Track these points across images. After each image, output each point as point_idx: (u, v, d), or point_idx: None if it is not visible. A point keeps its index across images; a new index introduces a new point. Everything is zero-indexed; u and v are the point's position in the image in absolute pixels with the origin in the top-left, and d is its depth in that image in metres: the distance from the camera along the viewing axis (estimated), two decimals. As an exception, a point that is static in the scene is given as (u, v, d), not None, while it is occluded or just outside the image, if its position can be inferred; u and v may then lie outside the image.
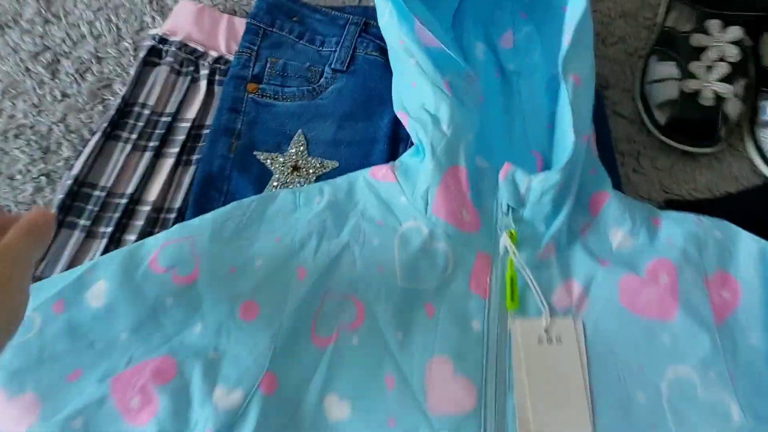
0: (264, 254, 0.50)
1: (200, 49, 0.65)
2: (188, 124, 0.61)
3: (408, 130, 0.54)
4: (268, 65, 0.63)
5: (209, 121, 0.61)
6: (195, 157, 0.60)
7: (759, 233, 0.51)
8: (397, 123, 0.59)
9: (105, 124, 0.60)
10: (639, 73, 0.67)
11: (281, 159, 0.58)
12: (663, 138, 0.63)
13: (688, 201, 0.61)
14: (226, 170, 0.57)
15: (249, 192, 0.57)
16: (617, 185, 0.58)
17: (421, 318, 0.50)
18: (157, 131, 0.61)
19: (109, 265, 0.49)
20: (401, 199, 0.53)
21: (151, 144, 0.60)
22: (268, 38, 0.65)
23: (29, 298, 0.34)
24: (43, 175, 0.62)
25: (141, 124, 0.61)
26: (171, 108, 0.62)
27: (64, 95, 0.66)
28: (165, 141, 0.61)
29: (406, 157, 0.55)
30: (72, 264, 0.55)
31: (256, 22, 0.65)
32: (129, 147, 0.59)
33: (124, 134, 0.60)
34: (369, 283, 0.50)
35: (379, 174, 0.55)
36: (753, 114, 0.63)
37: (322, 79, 0.62)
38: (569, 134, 0.50)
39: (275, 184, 0.57)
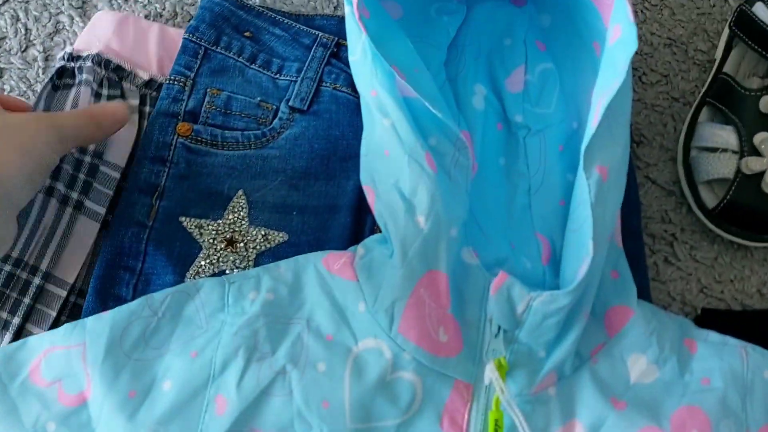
0: (175, 374, 0.39)
1: (126, 67, 0.50)
2: (117, 174, 0.47)
3: (374, 214, 0.41)
4: (206, 99, 0.48)
5: None
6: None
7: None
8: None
9: None
10: (685, 130, 0.52)
11: (213, 228, 0.45)
12: (708, 224, 0.49)
13: (733, 312, 0.48)
14: (141, 243, 0.44)
15: (168, 275, 0.44)
16: (643, 288, 0.46)
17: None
18: (81, 175, 0.46)
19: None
20: (360, 306, 0.41)
21: (73, 195, 0.46)
22: (209, 60, 0.50)
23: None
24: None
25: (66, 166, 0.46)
26: (96, 146, 0.47)
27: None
28: (88, 193, 0.46)
29: (373, 243, 0.42)
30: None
31: (196, 38, 0.50)
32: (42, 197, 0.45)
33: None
34: (309, 424, 0.38)
35: (335, 266, 0.42)
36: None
37: (275, 120, 0.48)
38: (587, 244, 0.37)
39: (201, 263, 0.44)
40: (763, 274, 0.50)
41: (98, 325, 0.40)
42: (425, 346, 0.39)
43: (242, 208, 0.46)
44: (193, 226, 0.45)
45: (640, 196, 0.52)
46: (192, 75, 0.49)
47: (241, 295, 0.41)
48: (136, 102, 0.49)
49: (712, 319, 0.45)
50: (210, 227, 0.45)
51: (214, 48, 0.50)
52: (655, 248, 0.50)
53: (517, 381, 0.39)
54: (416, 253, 0.39)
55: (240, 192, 0.46)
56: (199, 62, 0.50)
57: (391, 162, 0.41)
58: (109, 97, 0.49)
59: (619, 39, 0.39)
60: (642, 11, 0.57)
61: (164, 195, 0.46)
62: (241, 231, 0.45)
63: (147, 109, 0.50)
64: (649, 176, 0.52)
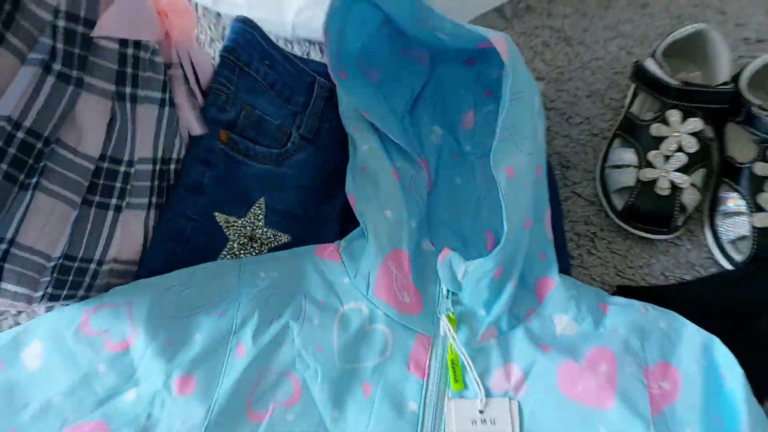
0: (203, 329, 0.51)
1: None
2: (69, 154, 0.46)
3: (355, 212, 0.55)
4: (242, 113, 0.59)
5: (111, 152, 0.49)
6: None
7: (708, 324, 0.52)
8: (348, 206, 0.58)
9: None
10: (601, 156, 0.67)
11: (239, 224, 0.58)
12: (619, 222, 0.63)
13: (641, 287, 0.61)
14: (185, 233, 0.56)
15: (204, 258, 0.56)
16: (566, 269, 0.58)
17: (358, 397, 0.50)
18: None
19: (43, 325, 0.51)
20: (344, 279, 0.54)
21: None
22: (243, 79, 0.59)
23: None
24: None
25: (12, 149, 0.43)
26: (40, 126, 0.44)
27: None
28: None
29: (353, 236, 0.56)
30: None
31: (233, 57, 0.58)
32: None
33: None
34: (307, 363, 0.51)
35: (325, 253, 0.56)
36: (713, 203, 0.64)
37: (289, 143, 0.61)
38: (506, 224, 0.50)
39: (225, 253, 0.57)
40: (665, 260, 0.63)
41: (142, 289, 0.52)
42: (393, 304, 0.52)
43: (261, 212, 0.59)
44: (222, 221, 0.58)
45: (569, 206, 0.66)
46: (233, 89, 0.58)
47: (253, 274, 0.54)
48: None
49: (624, 293, 0.57)
50: (236, 224, 0.58)
51: (247, 69, 0.59)
52: (580, 243, 0.64)
53: (464, 333, 0.52)
54: (385, 235, 0.53)
55: (261, 199, 0.59)
56: (236, 78, 0.59)
57: (368, 175, 0.55)
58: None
59: (505, 75, 0.54)
60: (569, 72, 0.74)
61: (205, 192, 0.57)
62: (259, 230, 0.59)
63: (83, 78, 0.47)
64: (575, 191, 0.67)
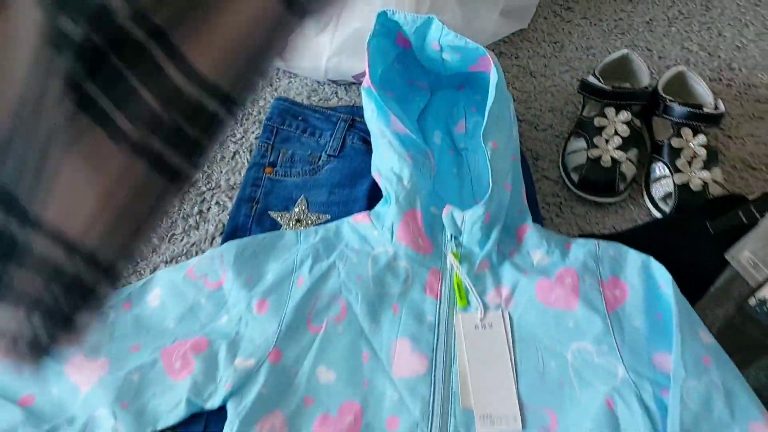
0: (273, 270, 0.70)
1: None
2: None
3: (380, 185, 0.75)
4: (280, 155, 0.85)
5: None
6: None
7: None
8: (372, 189, 0.80)
9: None
10: (561, 148, 0.88)
11: (288, 215, 0.79)
12: (577, 192, 0.83)
13: (595, 234, 0.79)
14: (247, 224, 0.78)
15: None
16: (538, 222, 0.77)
17: (389, 314, 0.67)
18: None
19: (163, 277, 0.70)
20: (374, 233, 0.73)
21: None
22: (279, 134, 0.87)
23: None
24: None
25: None
26: None
27: None
28: None
29: (378, 207, 0.76)
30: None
31: (271, 122, 0.88)
32: None
33: None
34: (350, 289, 0.68)
35: (358, 218, 0.75)
36: (647, 175, 0.83)
37: (320, 161, 0.84)
38: (491, 183, 0.70)
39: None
40: (614, 219, 0.82)
41: (229, 246, 0.71)
42: (411, 246, 0.71)
43: (304, 205, 0.80)
44: (275, 215, 0.79)
45: (540, 185, 0.85)
46: (271, 143, 0.86)
47: (306, 236, 0.73)
48: None
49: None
50: (286, 215, 0.79)
51: (281, 126, 0.87)
52: (550, 210, 0.83)
53: (465, 266, 0.70)
54: (403, 199, 0.72)
55: (302, 197, 0.80)
56: (273, 136, 0.87)
57: (389, 159, 0.75)
58: None
59: (492, 79, 0.75)
60: (534, 95, 0.96)
61: (259, 202, 0.80)
62: (304, 216, 0.79)
63: None
64: (545, 175, 0.87)
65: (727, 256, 0.72)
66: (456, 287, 0.69)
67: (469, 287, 0.68)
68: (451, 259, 0.70)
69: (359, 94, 0.93)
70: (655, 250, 0.70)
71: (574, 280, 0.68)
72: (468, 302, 0.68)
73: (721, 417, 0.56)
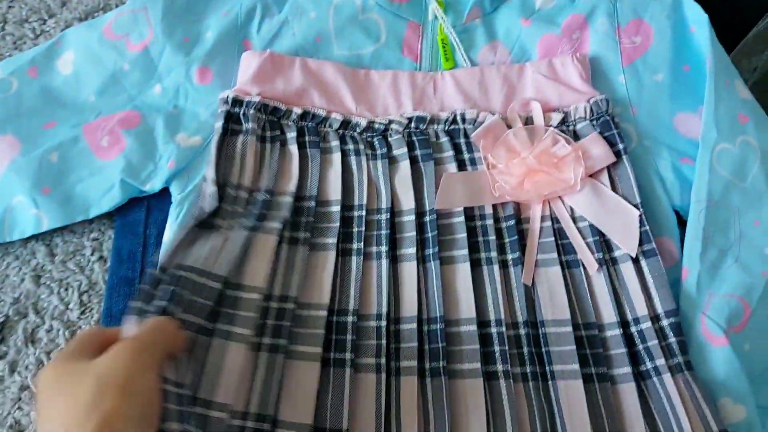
0: (213, 27, 0.56)
1: (281, 107, 0.52)
2: (290, 199, 0.48)
3: None
4: None
5: (310, 192, 0.49)
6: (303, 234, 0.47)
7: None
8: None
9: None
10: None
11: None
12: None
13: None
14: None
15: None
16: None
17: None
18: (255, 211, 0.47)
19: (73, 36, 0.56)
20: None
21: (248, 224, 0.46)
22: None
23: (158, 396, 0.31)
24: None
25: (239, 208, 0.47)
26: (268, 183, 0.49)
27: None
28: (264, 217, 0.47)
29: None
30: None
31: None
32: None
33: (223, 223, 0.46)
34: (307, 51, 0.56)
35: None
36: None
37: None
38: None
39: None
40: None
41: None
42: (384, -7, 0.57)
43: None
44: None
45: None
46: None
47: None
48: (293, 135, 0.51)
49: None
50: None
51: None
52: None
53: (451, 17, 0.57)
54: None
55: None
56: None
57: None
58: (272, 138, 0.51)
59: None
60: None
61: None
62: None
63: (306, 139, 0.51)
64: None
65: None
66: (441, 43, 0.57)
67: (455, 44, 0.56)
68: (434, 7, 0.57)
69: None
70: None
71: (584, 32, 0.56)
72: (455, 63, 0.57)
73: (755, 184, 0.48)
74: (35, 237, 0.52)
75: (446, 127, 0.52)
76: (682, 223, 0.49)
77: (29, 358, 0.48)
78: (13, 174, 0.50)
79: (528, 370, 0.43)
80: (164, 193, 0.52)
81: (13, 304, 0.50)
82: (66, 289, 0.51)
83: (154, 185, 0.51)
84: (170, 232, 0.49)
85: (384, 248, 0.46)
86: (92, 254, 0.52)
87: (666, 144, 0.52)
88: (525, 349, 0.43)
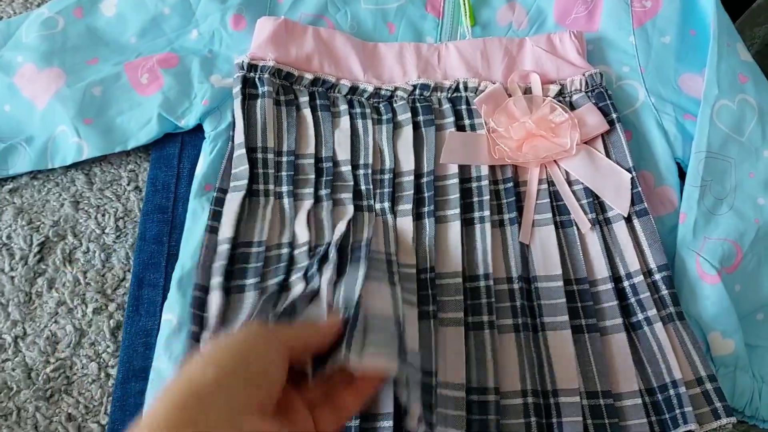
0: None
1: (294, 73, 0.54)
2: (311, 161, 0.51)
3: None
4: None
5: (326, 153, 0.52)
6: (324, 192, 0.50)
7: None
8: None
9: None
10: None
11: None
12: None
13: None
14: None
15: None
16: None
17: (384, 34, 0.59)
18: (284, 173, 0.51)
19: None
20: None
21: (285, 189, 0.50)
22: None
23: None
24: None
25: (272, 171, 0.50)
26: (289, 146, 0.52)
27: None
28: (296, 182, 0.51)
29: None
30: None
31: None
32: (272, 199, 0.50)
33: (260, 186, 0.50)
34: (337, 6, 0.59)
35: None
36: None
37: None
38: None
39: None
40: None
41: None
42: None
43: None
44: None
45: None
46: None
47: None
48: (306, 99, 0.54)
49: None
50: None
51: None
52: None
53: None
54: None
55: None
56: None
57: None
58: (287, 102, 0.53)
59: None
60: None
61: None
62: None
63: (318, 102, 0.54)
64: None
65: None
66: (462, 2, 0.60)
67: (462, 4, 0.59)
68: (457, -32, 0.60)
69: None
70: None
71: (599, -5, 0.60)
72: (475, 21, 0.60)
73: (752, 139, 0.51)
74: (75, 166, 0.55)
75: (449, 95, 0.55)
76: (683, 175, 0.52)
77: (66, 276, 0.52)
78: (59, 103, 0.54)
79: (519, 322, 0.46)
80: (197, 131, 0.55)
81: (53, 227, 0.54)
82: (103, 215, 0.54)
83: (188, 121, 0.54)
84: (203, 165, 0.52)
85: (387, 204, 0.49)
86: (128, 184, 0.55)
87: (671, 101, 0.55)
88: (518, 302, 0.46)
